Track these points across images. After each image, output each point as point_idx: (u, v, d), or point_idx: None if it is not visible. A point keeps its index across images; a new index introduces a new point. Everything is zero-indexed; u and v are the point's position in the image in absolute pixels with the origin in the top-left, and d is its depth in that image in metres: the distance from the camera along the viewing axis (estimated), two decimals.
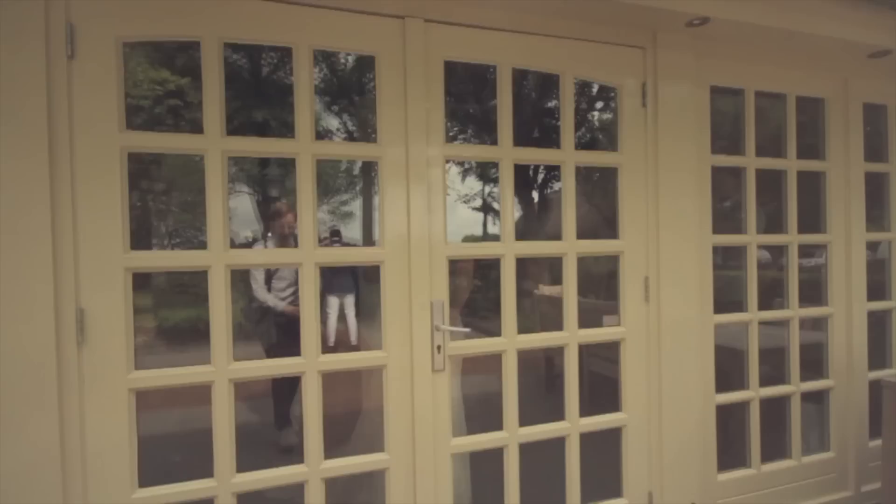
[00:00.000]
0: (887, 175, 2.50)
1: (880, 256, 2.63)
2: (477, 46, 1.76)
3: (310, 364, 1.56)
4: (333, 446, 1.67)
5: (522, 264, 1.85)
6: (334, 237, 5.94)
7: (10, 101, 1.25)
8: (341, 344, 5.77)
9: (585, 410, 1.94)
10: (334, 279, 5.78)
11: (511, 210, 1.84)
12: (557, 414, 1.93)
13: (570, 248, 1.90)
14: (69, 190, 1.32)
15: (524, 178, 5.28)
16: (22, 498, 1.26)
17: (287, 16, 1.50)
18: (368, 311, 2.11)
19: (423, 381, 1.67)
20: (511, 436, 1.84)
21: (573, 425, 1.92)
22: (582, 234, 1.91)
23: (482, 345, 1.84)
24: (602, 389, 1.99)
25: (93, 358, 1.34)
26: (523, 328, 1.85)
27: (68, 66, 1.31)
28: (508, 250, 1.81)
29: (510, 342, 1.82)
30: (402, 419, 1.66)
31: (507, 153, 1.81)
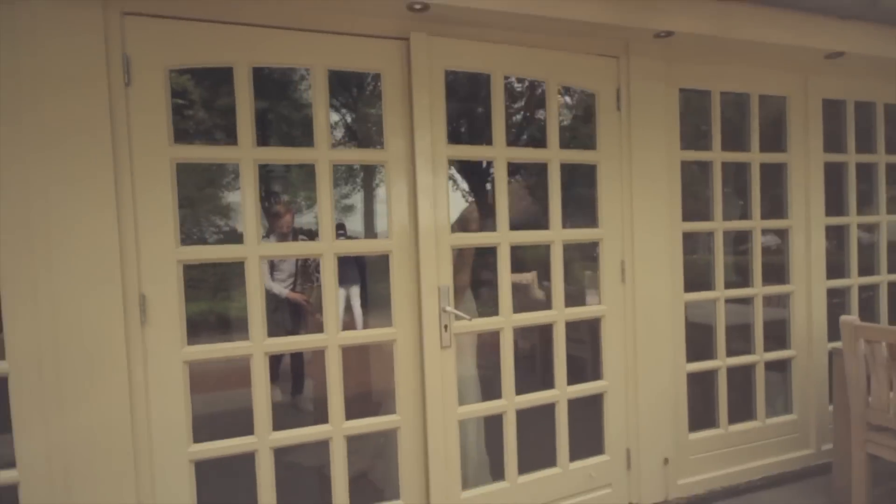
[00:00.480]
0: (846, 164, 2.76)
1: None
2: (474, 56, 2.00)
3: (331, 339, 1.83)
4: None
5: (487, 254, 2.10)
6: (339, 230, 6.19)
7: (80, 121, 1.51)
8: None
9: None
10: (340, 271, 6.07)
11: (505, 204, 2.08)
12: (527, 390, 2.17)
13: (556, 236, 2.16)
14: (130, 194, 1.58)
15: (474, 171, 5.24)
16: (102, 445, 1.54)
17: (306, 41, 1.75)
18: (373, 301, 2.32)
19: (433, 357, 1.92)
20: (509, 403, 2.10)
21: (562, 392, 2.19)
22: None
23: (483, 323, 2.10)
24: (571, 367, 2.23)
25: (153, 335, 1.61)
26: (490, 312, 2.10)
27: (126, 92, 1.57)
28: (504, 239, 2.06)
29: (507, 320, 2.08)
30: (411, 386, 1.93)
31: (500, 152, 2.06)
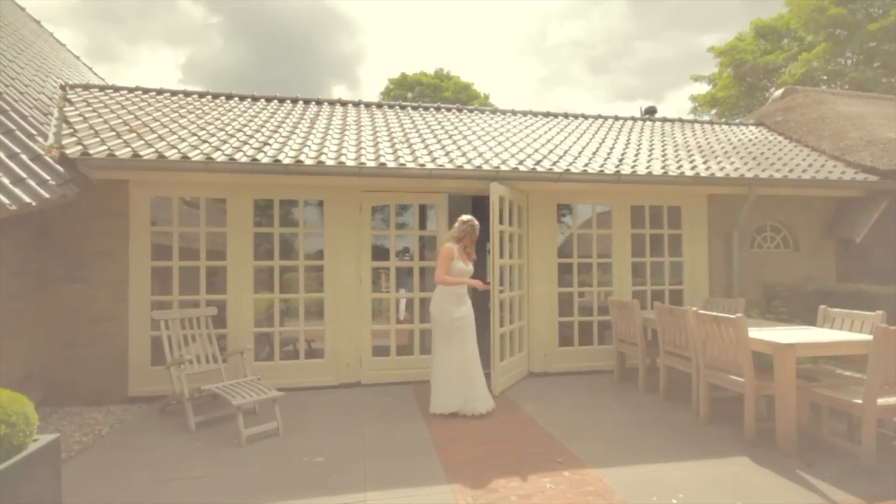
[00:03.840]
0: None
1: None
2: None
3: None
4: None
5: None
6: (406, 253, 9.85)
7: (349, 219, 5.16)
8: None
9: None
10: (401, 278, 9.69)
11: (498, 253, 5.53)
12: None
13: (522, 262, 5.58)
14: (359, 243, 5.20)
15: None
16: (347, 326, 5.14)
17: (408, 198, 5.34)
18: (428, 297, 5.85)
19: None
20: (515, 326, 5.51)
21: (521, 324, 5.58)
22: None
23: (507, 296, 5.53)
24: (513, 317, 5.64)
25: (363, 290, 5.21)
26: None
27: (360, 214, 5.22)
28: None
29: (517, 294, 5.50)
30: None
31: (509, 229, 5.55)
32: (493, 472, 3.10)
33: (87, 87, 7.01)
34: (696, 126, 9.15)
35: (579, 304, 5.88)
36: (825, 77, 18.50)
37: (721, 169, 6.04)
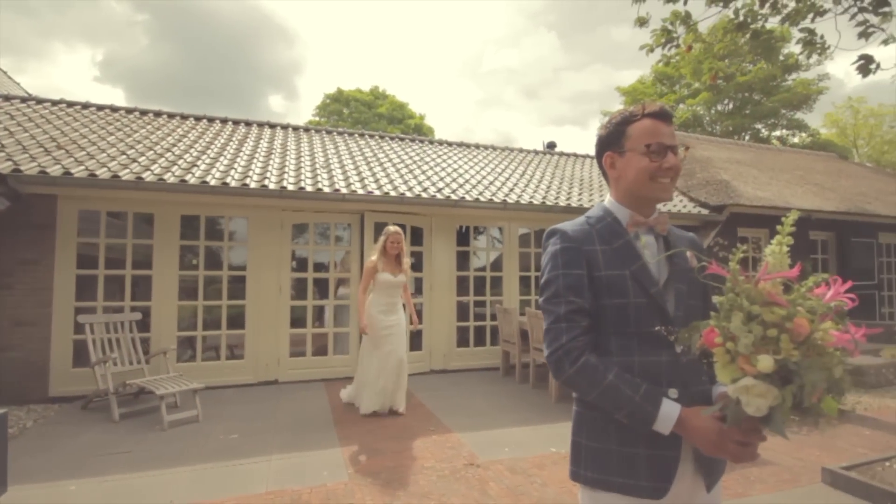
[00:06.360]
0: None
1: None
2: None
3: (331, 301, 6.12)
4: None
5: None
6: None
7: (271, 235, 5.83)
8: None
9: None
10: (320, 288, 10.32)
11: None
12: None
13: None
14: (279, 259, 5.88)
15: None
16: (267, 325, 5.77)
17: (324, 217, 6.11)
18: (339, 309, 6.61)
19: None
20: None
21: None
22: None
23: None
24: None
25: (282, 298, 5.87)
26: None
27: (281, 231, 5.90)
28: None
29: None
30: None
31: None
32: (378, 438, 3.93)
33: (7, 97, 7.13)
34: (587, 160, 10.68)
35: (476, 312, 6.90)
36: (708, 119, 21.54)
37: (590, 200, 7.37)
